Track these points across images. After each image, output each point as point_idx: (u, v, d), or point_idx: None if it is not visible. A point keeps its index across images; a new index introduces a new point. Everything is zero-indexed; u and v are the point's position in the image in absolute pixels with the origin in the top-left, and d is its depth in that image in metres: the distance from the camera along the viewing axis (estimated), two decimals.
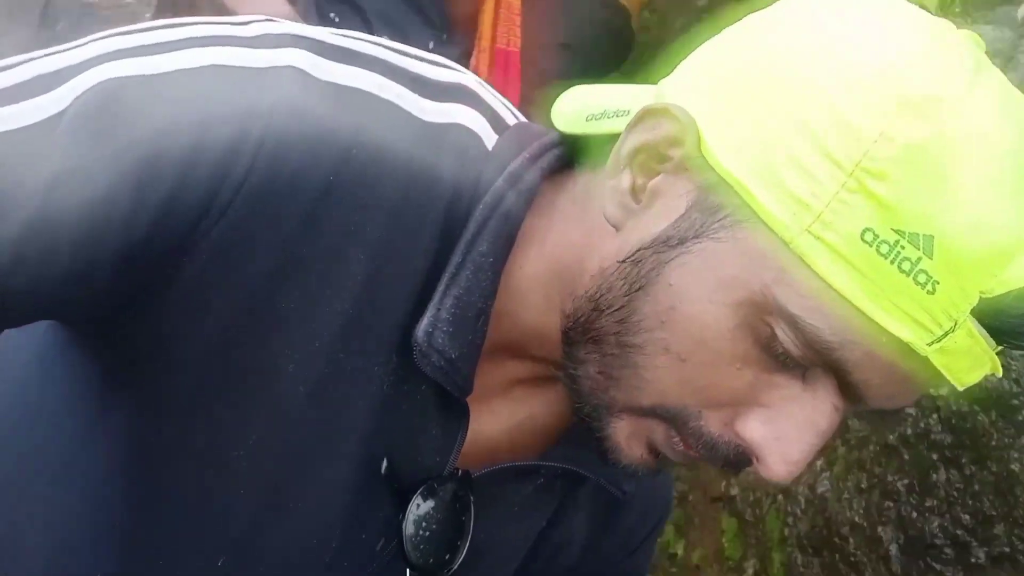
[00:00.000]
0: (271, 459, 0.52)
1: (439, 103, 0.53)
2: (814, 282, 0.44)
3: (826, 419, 0.48)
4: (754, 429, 0.48)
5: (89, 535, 0.54)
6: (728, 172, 0.46)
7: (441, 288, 0.52)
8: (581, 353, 0.52)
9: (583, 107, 0.56)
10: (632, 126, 0.50)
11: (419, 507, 0.55)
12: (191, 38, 0.49)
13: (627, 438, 0.52)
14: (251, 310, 0.49)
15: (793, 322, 0.45)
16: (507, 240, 0.53)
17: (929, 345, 0.44)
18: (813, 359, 0.46)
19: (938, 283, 0.44)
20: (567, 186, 0.56)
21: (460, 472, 0.57)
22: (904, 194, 0.43)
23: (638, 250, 0.49)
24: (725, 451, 0.49)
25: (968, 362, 0.46)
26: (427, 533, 0.56)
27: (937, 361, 0.45)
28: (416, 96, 0.52)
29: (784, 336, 0.46)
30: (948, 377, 0.46)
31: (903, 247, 0.43)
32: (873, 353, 0.45)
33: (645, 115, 0.50)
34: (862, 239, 0.44)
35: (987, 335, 0.46)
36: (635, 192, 0.51)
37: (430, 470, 0.55)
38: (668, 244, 0.48)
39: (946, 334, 0.44)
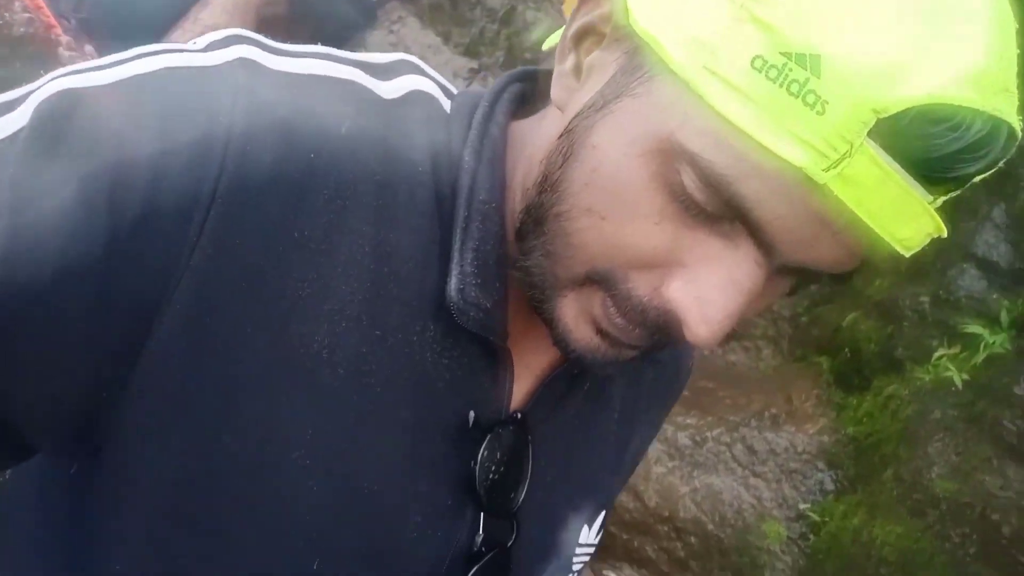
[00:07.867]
0: (329, 448, 0.52)
1: (390, 80, 0.56)
2: (712, 119, 0.44)
3: (748, 276, 0.48)
4: (676, 290, 0.48)
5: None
6: (644, 30, 0.47)
7: (457, 245, 0.54)
8: (530, 241, 0.53)
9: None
10: (575, 12, 0.53)
11: (485, 455, 0.57)
12: (141, 53, 0.50)
13: (574, 318, 0.53)
14: (261, 300, 0.49)
15: (693, 161, 0.45)
16: (500, 180, 0.56)
17: (825, 171, 0.43)
18: (715, 200, 0.46)
19: (827, 103, 0.42)
20: (534, 113, 0.59)
21: (517, 415, 0.60)
22: (789, 15, 0.43)
23: (571, 120, 0.51)
24: (654, 316, 0.50)
25: (888, 204, 0.44)
26: (495, 476, 0.59)
27: (841, 191, 0.44)
28: (369, 76, 0.55)
29: (688, 180, 0.46)
30: (868, 221, 0.45)
31: (791, 69, 0.43)
32: (770, 183, 0.44)
33: None
34: (752, 67, 0.43)
35: (911, 179, 0.44)
36: (577, 72, 0.53)
37: (488, 419, 0.58)
38: (594, 108, 0.50)
39: (843, 158, 0.43)
